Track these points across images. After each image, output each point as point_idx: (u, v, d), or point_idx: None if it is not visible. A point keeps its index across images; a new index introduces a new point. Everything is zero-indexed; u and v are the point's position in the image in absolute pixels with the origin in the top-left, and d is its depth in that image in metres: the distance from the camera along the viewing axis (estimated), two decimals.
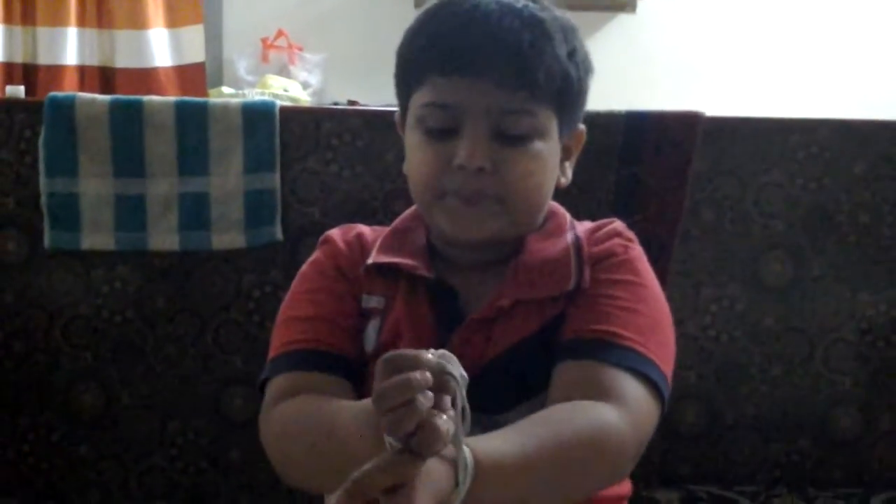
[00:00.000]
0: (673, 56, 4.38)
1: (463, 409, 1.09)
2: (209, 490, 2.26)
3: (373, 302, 1.48)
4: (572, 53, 1.40)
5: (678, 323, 2.16)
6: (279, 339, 1.48)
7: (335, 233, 1.58)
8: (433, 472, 1.07)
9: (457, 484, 1.09)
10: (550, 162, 1.42)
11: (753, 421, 2.24)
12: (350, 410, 1.25)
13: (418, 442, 1.02)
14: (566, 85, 1.39)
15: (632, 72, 4.23)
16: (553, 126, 1.40)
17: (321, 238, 1.59)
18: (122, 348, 2.22)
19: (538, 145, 1.38)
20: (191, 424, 2.24)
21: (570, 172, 1.51)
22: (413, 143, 1.43)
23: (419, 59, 1.41)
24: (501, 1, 1.37)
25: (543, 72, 1.35)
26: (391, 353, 1.05)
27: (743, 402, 2.24)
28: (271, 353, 1.48)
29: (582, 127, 1.50)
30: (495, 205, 1.39)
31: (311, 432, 1.30)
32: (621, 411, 1.26)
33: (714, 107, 2.22)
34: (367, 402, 1.15)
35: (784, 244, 2.19)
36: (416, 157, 1.42)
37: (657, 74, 4.33)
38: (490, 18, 1.35)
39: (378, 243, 1.52)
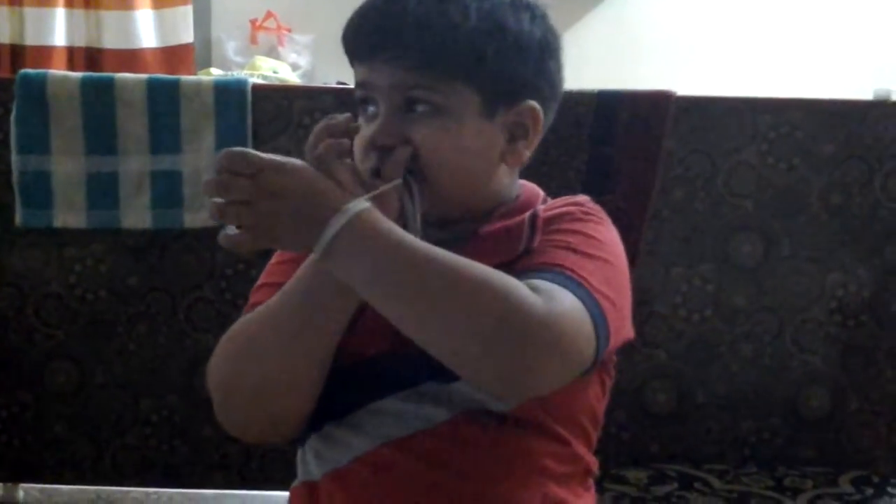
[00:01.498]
0: (662, 38, 4.36)
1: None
2: (182, 467, 2.27)
3: None
4: (496, 30, 1.37)
5: (648, 302, 2.19)
6: (250, 300, 1.48)
7: None
8: (323, 183, 1.20)
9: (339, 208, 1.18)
10: (474, 141, 1.39)
11: (723, 400, 2.25)
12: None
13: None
14: (477, 61, 1.36)
15: (620, 54, 4.22)
16: (471, 104, 1.37)
17: None
18: (94, 326, 2.23)
19: (450, 122, 1.36)
20: (164, 402, 2.25)
21: (525, 153, 1.46)
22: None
23: (344, 48, 1.42)
24: None
25: (442, 48, 1.33)
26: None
27: (713, 382, 2.24)
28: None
29: (531, 103, 1.46)
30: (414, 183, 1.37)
31: (261, 313, 1.34)
32: (541, 296, 1.22)
33: (703, 89, 2.22)
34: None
35: (755, 224, 2.19)
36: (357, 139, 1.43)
37: (646, 57, 4.31)
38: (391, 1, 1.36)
39: None
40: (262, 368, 1.32)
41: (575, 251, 1.34)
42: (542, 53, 1.43)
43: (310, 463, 1.46)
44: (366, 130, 1.38)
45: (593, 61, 4.33)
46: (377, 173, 1.34)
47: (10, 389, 2.24)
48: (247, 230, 1.17)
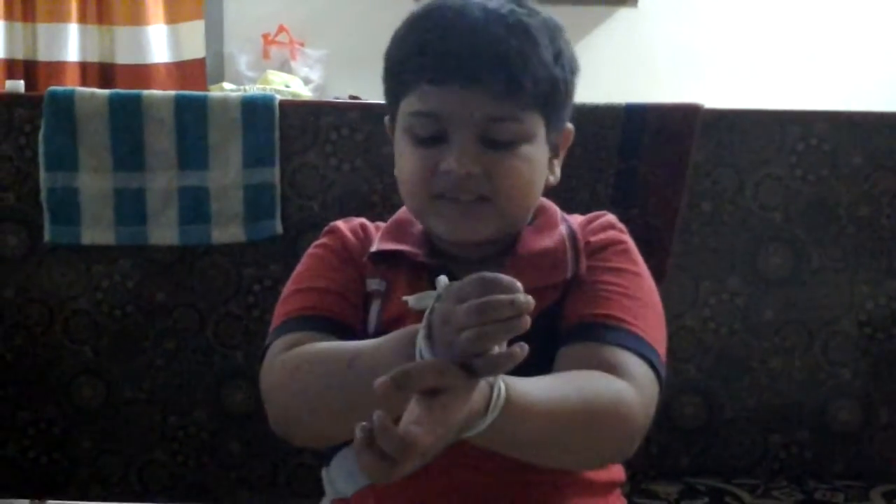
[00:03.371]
0: (674, 50, 4.37)
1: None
2: (209, 484, 2.27)
3: (374, 285, 1.49)
4: (558, 56, 1.40)
5: (677, 316, 2.18)
6: (284, 308, 1.48)
7: (340, 223, 1.60)
8: (468, 406, 1.07)
9: (486, 411, 1.09)
10: (539, 163, 1.43)
11: (753, 413, 2.24)
12: (376, 341, 1.25)
13: (486, 364, 1.04)
14: (553, 89, 1.39)
15: (633, 66, 4.24)
16: (541, 129, 1.41)
17: (326, 228, 1.61)
18: (122, 342, 2.23)
19: (525, 149, 1.39)
20: (191, 418, 2.25)
21: (558, 171, 1.51)
22: (402, 148, 1.44)
23: (406, 66, 1.41)
24: (487, 7, 1.37)
25: (530, 79, 1.35)
26: (486, 273, 1.06)
27: (742, 395, 2.24)
28: (275, 323, 1.47)
29: (570, 126, 1.51)
30: (486, 207, 1.39)
31: (329, 362, 1.30)
32: (631, 385, 1.29)
33: (716, 100, 2.22)
34: (398, 332, 1.19)
35: (783, 237, 2.19)
36: (406, 162, 1.43)
37: (658, 68, 4.33)
38: (476, 25, 1.35)
39: (381, 232, 1.54)
40: (360, 390, 1.27)
41: (634, 298, 1.42)
42: (575, 78, 1.46)
43: (338, 481, 1.47)
44: (422, 155, 1.39)
45: (606, 73, 4.35)
46: (441, 197, 1.36)
47: (37, 405, 2.24)
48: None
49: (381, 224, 1.59)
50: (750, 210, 2.18)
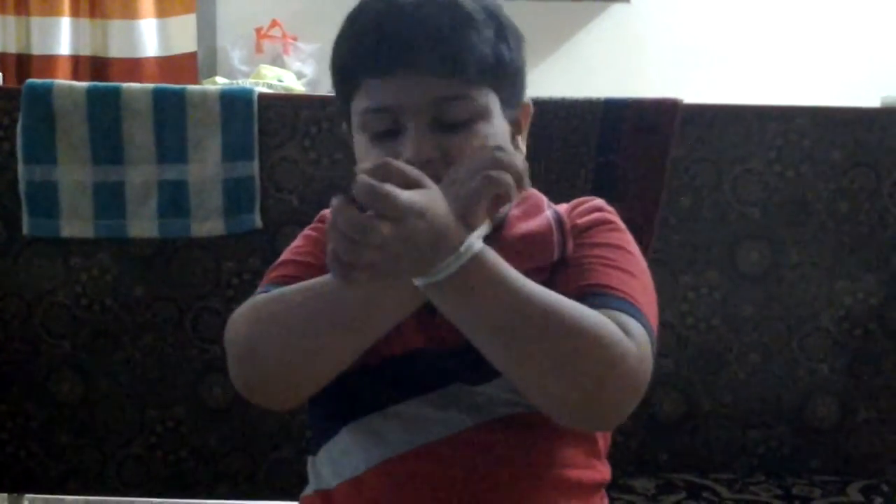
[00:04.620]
0: (667, 46, 4.36)
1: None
2: (187, 478, 2.27)
3: None
4: (500, 31, 1.39)
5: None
6: (266, 277, 1.47)
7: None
8: (449, 221, 1.15)
9: (455, 251, 1.14)
10: (498, 141, 1.42)
11: (731, 409, 2.24)
12: None
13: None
14: (499, 63, 1.38)
15: (626, 62, 4.22)
16: (495, 105, 1.40)
17: (318, 216, 1.59)
18: (100, 336, 2.23)
19: (482, 126, 1.38)
20: (169, 412, 2.25)
21: (523, 147, 1.50)
22: (361, 149, 1.42)
23: (348, 65, 1.40)
24: None
25: (472, 54, 1.35)
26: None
27: (720, 390, 2.24)
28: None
29: (528, 101, 1.50)
30: None
31: (298, 289, 1.30)
32: (629, 336, 1.24)
33: (709, 97, 2.21)
34: None
35: (762, 232, 2.19)
36: (367, 161, 1.41)
37: (651, 65, 4.31)
38: (408, 11, 1.34)
39: None
40: (299, 340, 1.28)
41: (623, 270, 1.38)
42: (523, 52, 1.45)
43: (323, 472, 1.46)
44: (381, 151, 1.37)
45: (598, 68, 4.36)
46: None
47: (15, 399, 2.24)
48: (369, 268, 1.10)
49: None
50: (729, 205, 2.18)
